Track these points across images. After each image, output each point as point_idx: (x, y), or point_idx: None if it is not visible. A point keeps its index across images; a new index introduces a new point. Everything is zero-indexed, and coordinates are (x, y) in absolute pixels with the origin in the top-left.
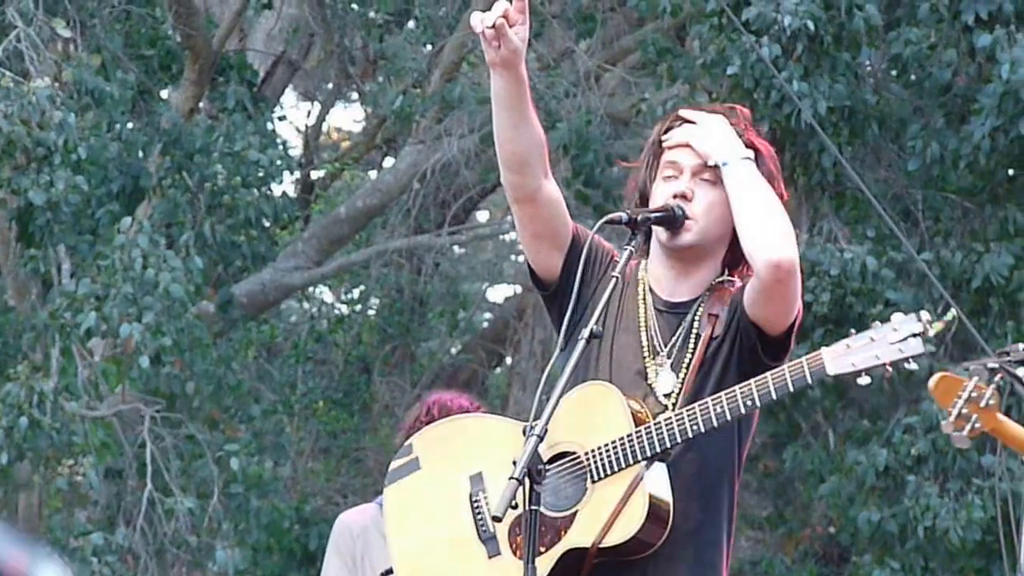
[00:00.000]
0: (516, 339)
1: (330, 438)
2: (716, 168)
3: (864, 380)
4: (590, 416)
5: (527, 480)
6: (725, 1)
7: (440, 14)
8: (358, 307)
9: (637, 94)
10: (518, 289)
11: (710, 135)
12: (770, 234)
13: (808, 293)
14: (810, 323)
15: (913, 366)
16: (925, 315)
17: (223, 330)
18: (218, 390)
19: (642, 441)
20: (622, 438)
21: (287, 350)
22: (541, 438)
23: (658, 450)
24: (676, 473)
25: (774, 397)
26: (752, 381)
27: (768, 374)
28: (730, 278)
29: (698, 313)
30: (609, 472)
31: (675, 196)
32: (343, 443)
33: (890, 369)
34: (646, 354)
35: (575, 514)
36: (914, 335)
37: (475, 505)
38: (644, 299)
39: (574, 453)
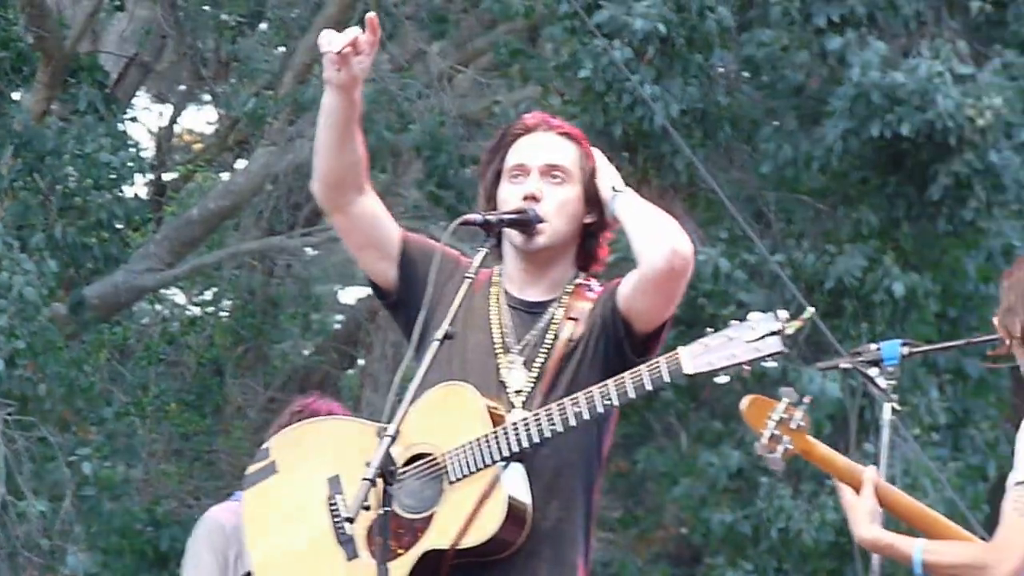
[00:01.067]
0: (368, 341)
1: (182, 440)
2: (565, 170)
3: (722, 379)
4: (447, 416)
5: (380, 481)
6: (578, 4)
7: (292, 16)
8: (210, 309)
9: (490, 95)
10: (370, 291)
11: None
12: (668, 230)
13: None
14: None
15: (772, 364)
16: (783, 314)
17: (75, 332)
18: (70, 392)
19: (499, 441)
20: (478, 439)
21: (139, 352)
22: (394, 439)
23: (515, 450)
24: (533, 473)
25: (632, 396)
26: (610, 380)
27: (626, 373)
28: (586, 281)
29: (556, 314)
30: (466, 473)
31: (525, 197)
32: (195, 445)
33: (748, 368)
34: (498, 351)
35: (432, 516)
36: (772, 333)
37: (332, 508)
38: (497, 298)
39: (431, 454)
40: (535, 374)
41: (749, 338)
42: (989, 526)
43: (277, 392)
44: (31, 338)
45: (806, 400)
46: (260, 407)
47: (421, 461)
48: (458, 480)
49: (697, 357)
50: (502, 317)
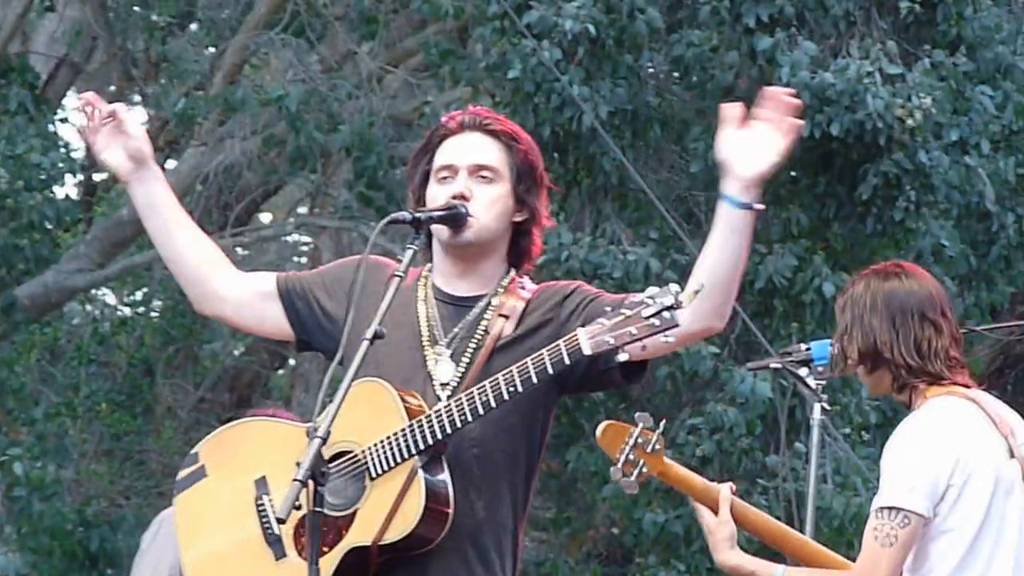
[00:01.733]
0: None
1: (113, 440)
2: (493, 169)
3: (622, 356)
4: (365, 413)
5: (311, 482)
6: (507, 4)
7: (223, 16)
8: (141, 309)
9: (420, 96)
10: None
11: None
12: (728, 301)
13: None
14: None
15: (670, 339)
16: (675, 287)
17: (6, 333)
18: (1, 393)
19: (415, 435)
20: (396, 433)
21: (70, 352)
22: (324, 440)
23: (430, 442)
24: (459, 469)
25: (535, 381)
26: (514, 367)
27: (529, 359)
28: (520, 279)
29: (488, 310)
30: (386, 468)
31: (454, 197)
32: (126, 445)
33: (646, 344)
34: (425, 343)
35: (355, 513)
36: (667, 308)
37: (260, 508)
38: (425, 292)
39: (352, 452)
40: (463, 368)
41: (646, 314)
42: None
43: (207, 392)
44: None
45: (662, 424)
46: (190, 407)
47: (343, 459)
48: (379, 476)
49: (595, 337)
50: (429, 309)
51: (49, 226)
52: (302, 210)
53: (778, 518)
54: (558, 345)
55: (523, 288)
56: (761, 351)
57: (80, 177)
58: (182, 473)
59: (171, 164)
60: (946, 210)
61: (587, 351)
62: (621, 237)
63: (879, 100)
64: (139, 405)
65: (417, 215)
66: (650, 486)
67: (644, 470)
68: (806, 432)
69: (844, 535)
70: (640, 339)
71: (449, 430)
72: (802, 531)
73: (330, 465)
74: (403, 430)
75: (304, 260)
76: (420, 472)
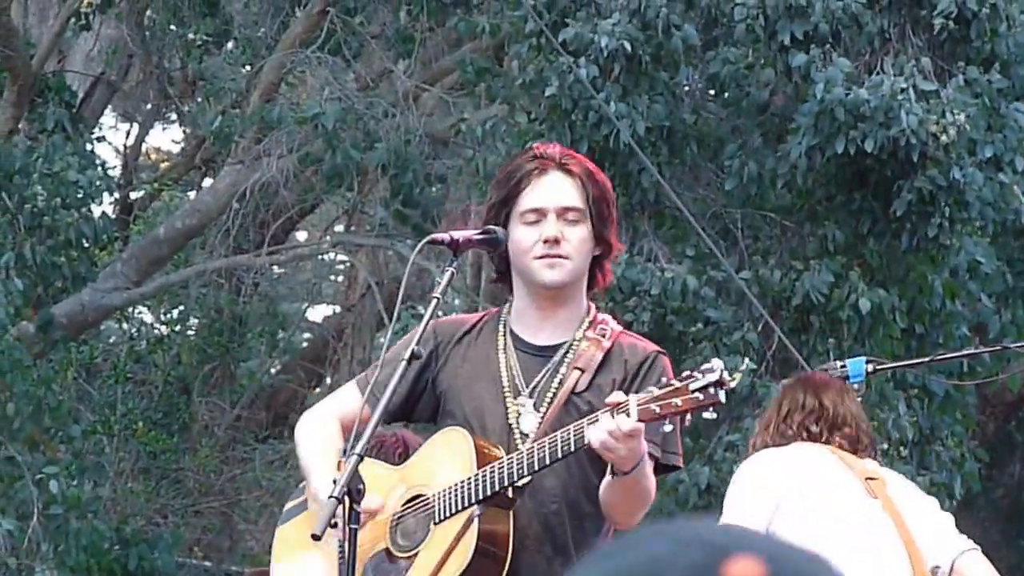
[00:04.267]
0: (335, 359)
1: (150, 458)
2: (579, 210)
3: (667, 427)
4: (443, 459)
5: (347, 499)
6: (543, 22)
7: (259, 35)
8: (177, 327)
9: (456, 114)
10: (337, 309)
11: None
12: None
13: (629, 313)
14: None
15: (711, 415)
16: (718, 363)
17: (43, 351)
18: (38, 411)
19: (477, 484)
20: (463, 481)
21: (106, 371)
22: (361, 458)
23: (488, 493)
24: (539, 524)
25: (586, 441)
26: (571, 426)
27: (584, 420)
28: (601, 323)
29: (566, 359)
30: (449, 514)
31: (546, 241)
32: (163, 463)
33: (690, 416)
34: (507, 395)
35: (417, 555)
36: (713, 384)
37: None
38: (505, 343)
39: (426, 496)
40: (539, 418)
41: (693, 387)
42: None
43: (244, 410)
44: None
45: None
46: (227, 425)
47: (417, 501)
48: (442, 520)
49: (643, 405)
50: (510, 360)
51: (86, 244)
52: (338, 228)
53: None
54: (610, 411)
55: (604, 335)
56: (798, 368)
57: (117, 195)
58: (289, 504)
59: (208, 182)
60: (982, 227)
61: (633, 418)
62: (658, 254)
63: (913, 116)
64: (175, 423)
65: (456, 237)
66: (688, 502)
67: None
68: None
69: None
70: (684, 411)
71: (507, 482)
72: None
73: (408, 506)
74: (469, 479)
75: (339, 279)
76: (476, 521)
